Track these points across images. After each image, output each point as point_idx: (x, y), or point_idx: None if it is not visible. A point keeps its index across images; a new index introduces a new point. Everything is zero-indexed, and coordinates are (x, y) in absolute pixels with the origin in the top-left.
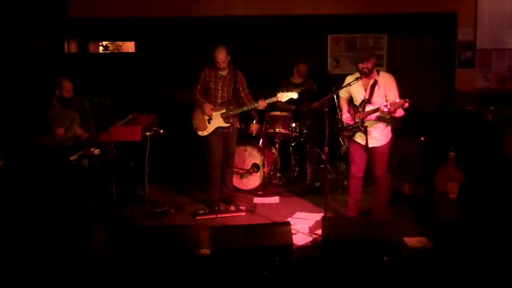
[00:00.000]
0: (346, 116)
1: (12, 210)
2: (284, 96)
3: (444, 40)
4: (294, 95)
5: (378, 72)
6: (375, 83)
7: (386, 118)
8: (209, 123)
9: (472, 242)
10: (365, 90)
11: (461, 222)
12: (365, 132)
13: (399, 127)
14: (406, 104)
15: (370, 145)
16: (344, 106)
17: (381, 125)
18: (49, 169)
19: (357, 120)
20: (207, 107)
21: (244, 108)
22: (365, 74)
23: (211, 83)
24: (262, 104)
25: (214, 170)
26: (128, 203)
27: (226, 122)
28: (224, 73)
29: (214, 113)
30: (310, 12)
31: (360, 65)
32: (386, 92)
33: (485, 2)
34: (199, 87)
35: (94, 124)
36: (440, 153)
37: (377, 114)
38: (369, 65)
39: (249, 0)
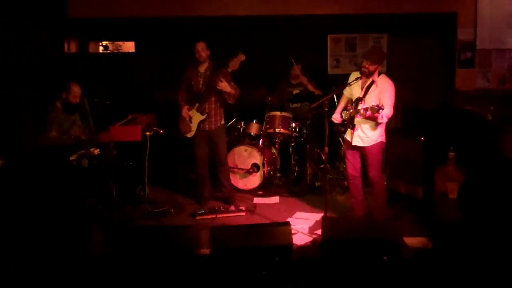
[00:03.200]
0: (335, 116)
1: (12, 210)
2: (234, 64)
3: (444, 40)
4: (241, 57)
5: (379, 75)
6: (372, 83)
7: (375, 120)
8: (191, 122)
9: (472, 242)
10: (362, 89)
11: (461, 222)
12: (352, 129)
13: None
14: (380, 111)
15: (354, 143)
16: (340, 104)
17: (368, 125)
18: (49, 169)
19: (346, 117)
20: (183, 110)
21: (207, 93)
22: (364, 74)
23: (193, 82)
24: (220, 84)
25: (199, 168)
26: (128, 203)
27: (203, 114)
28: (202, 69)
29: (190, 112)
30: (310, 12)
31: (364, 62)
32: (380, 96)
33: (485, 2)
34: (182, 86)
35: (94, 124)
36: (440, 153)
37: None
38: (371, 67)
39: (249, 0)
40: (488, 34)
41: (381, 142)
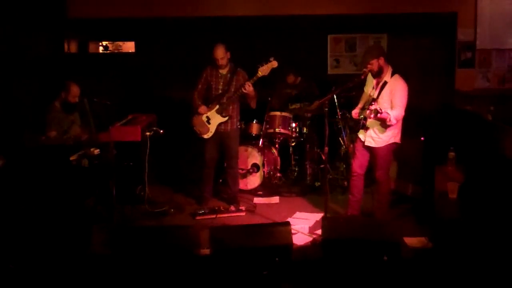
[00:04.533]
0: (354, 112)
1: (12, 210)
2: (265, 69)
3: (444, 40)
4: (274, 64)
5: (393, 74)
6: (384, 84)
7: (384, 121)
8: (209, 123)
9: (472, 242)
10: (375, 89)
11: (461, 222)
12: (364, 129)
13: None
14: (381, 113)
15: (366, 143)
16: (361, 102)
17: (380, 127)
18: (49, 169)
19: (361, 116)
20: (202, 107)
21: (234, 96)
22: (373, 74)
23: (212, 83)
24: (247, 87)
25: (205, 168)
26: (128, 203)
27: (224, 116)
28: (224, 71)
29: (209, 113)
30: (310, 12)
31: (367, 69)
32: (391, 96)
33: (485, 2)
34: (199, 86)
35: (94, 124)
36: (440, 153)
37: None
38: (374, 65)
39: (249, 0)
40: (488, 34)
41: (393, 143)
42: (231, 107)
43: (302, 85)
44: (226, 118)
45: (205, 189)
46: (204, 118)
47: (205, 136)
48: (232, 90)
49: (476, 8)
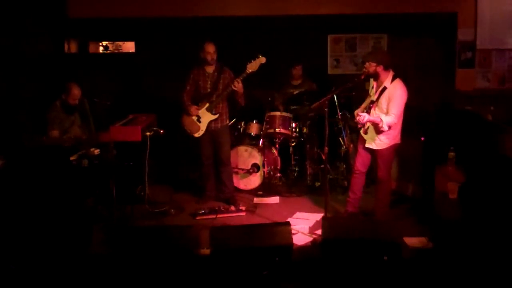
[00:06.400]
0: (356, 111)
1: (12, 210)
2: (254, 65)
3: (444, 40)
4: (262, 60)
5: (393, 79)
6: (384, 89)
7: (377, 127)
8: (200, 122)
9: (472, 242)
10: (375, 91)
11: (461, 222)
12: (364, 131)
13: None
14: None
15: (367, 145)
16: (365, 102)
17: (378, 129)
18: (49, 169)
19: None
20: (192, 108)
21: (224, 93)
22: (364, 74)
23: (200, 82)
24: (237, 84)
25: (203, 166)
26: (128, 203)
27: (214, 113)
28: (211, 70)
29: (199, 112)
30: (310, 12)
31: (365, 63)
32: (388, 103)
33: (485, 2)
34: (188, 87)
35: (94, 124)
36: (440, 153)
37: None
38: (371, 68)
39: (249, 0)
40: (488, 34)
41: (394, 144)
42: (220, 104)
43: (304, 85)
44: (216, 116)
45: (207, 187)
46: (194, 117)
47: (196, 135)
48: (221, 88)
49: (476, 8)
